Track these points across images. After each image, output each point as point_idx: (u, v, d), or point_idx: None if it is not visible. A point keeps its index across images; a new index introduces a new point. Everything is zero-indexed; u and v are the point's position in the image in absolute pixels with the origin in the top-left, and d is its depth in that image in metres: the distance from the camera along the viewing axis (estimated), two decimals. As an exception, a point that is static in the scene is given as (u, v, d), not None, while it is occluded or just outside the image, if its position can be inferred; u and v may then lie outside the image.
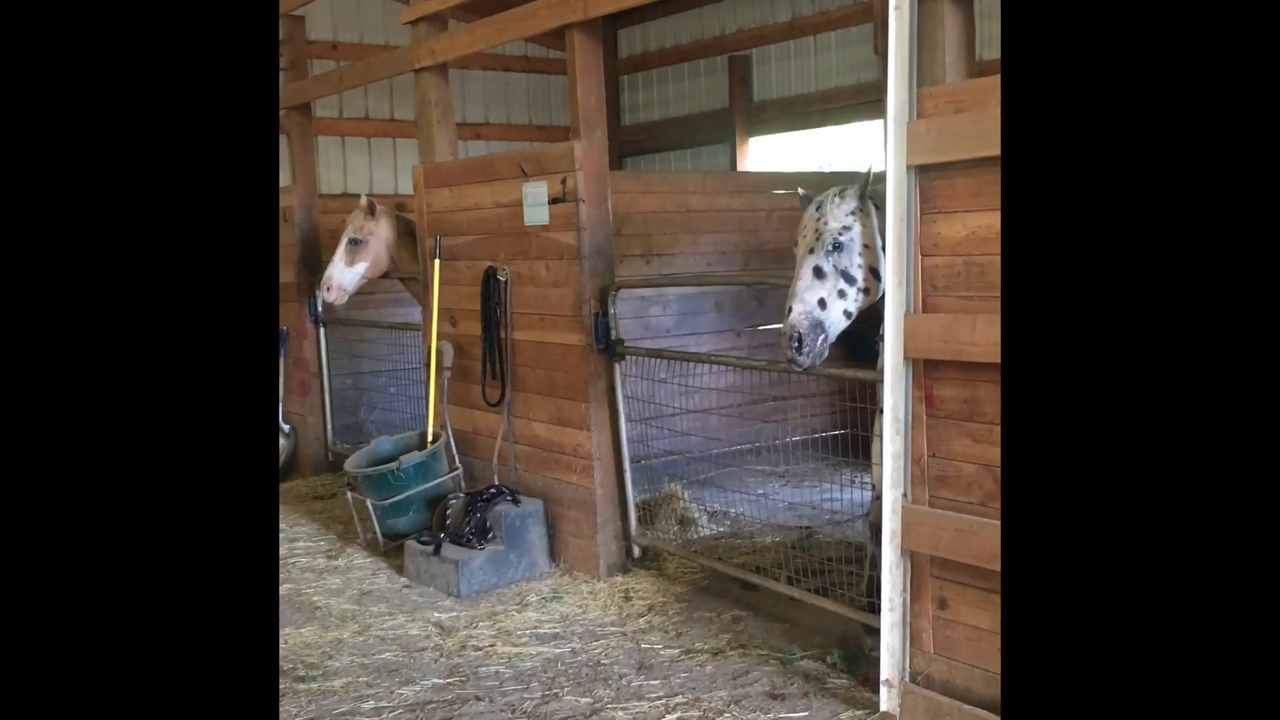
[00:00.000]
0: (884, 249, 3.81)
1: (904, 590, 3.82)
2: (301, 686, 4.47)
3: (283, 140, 8.94)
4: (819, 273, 4.11)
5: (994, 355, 3.33)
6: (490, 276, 6.05)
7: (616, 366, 5.59)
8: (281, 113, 8.51)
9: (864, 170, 4.22)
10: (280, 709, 4.27)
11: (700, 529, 6.11)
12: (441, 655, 4.75)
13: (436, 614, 5.26)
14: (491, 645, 4.82)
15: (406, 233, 7.17)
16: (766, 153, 10.48)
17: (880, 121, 3.84)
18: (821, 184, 4.73)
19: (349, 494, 6.53)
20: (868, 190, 4.17)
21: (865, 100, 9.12)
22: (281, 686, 4.47)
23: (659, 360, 5.63)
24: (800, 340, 4.01)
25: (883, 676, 3.86)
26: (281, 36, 8.30)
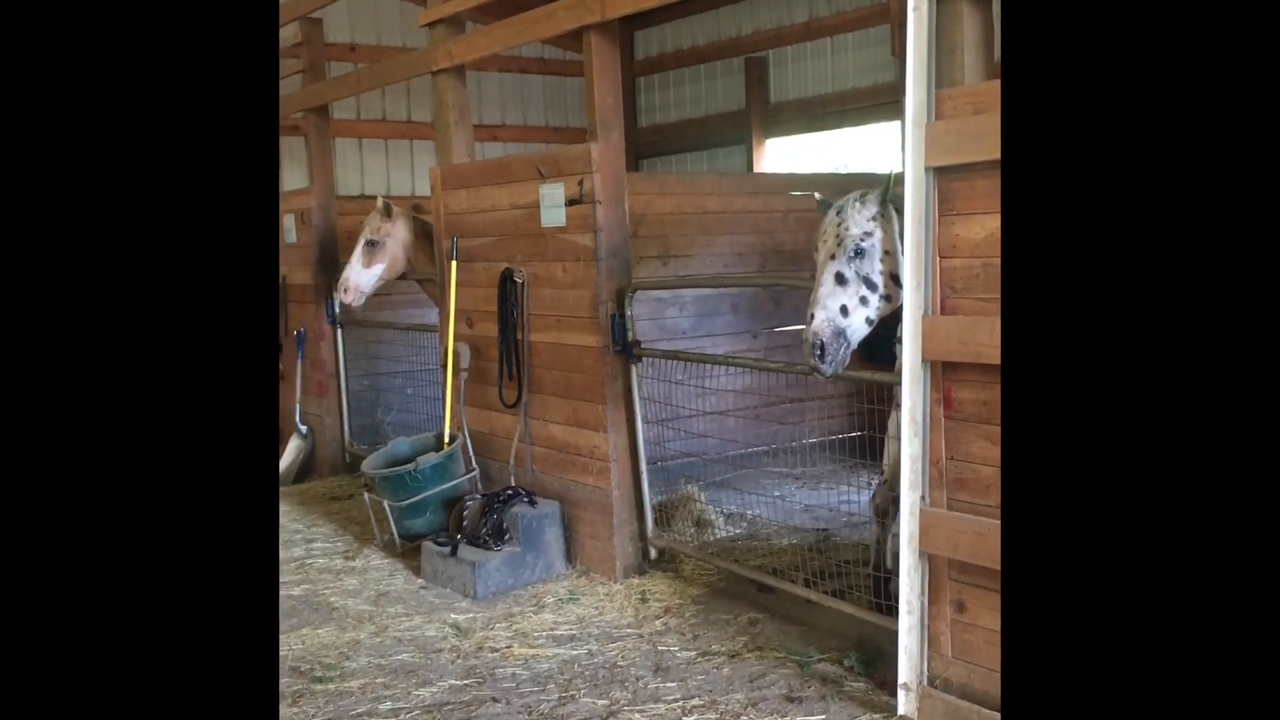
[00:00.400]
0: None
1: (922, 593, 3.81)
2: (319, 687, 4.49)
3: (301, 142, 8.98)
4: (841, 279, 4.10)
5: (1013, 357, 3.31)
6: (507, 278, 6.06)
7: (633, 368, 5.59)
8: (299, 114, 8.55)
9: (881, 171, 4.21)
10: (298, 709, 4.28)
11: (717, 531, 6.11)
12: (458, 656, 4.75)
13: (453, 615, 5.26)
14: (508, 647, 4.82)
15: (423, 234, 7.19)
16: (783, 154, 10.47)
17: (897, 123, 3.83)
18: (838, 185, 4.72)
19: (366, 495, 6.54)
20: (888, 195, 4.15)
21: (882, 102, 9.09)
22: (299, 687, 4.49)
23: (675, 362, 5.63)
24: (823, 349, 4.01)
25: (900, 680, 3.85)
26: (299, 39, 8.34)
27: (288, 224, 8.62)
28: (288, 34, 8.63)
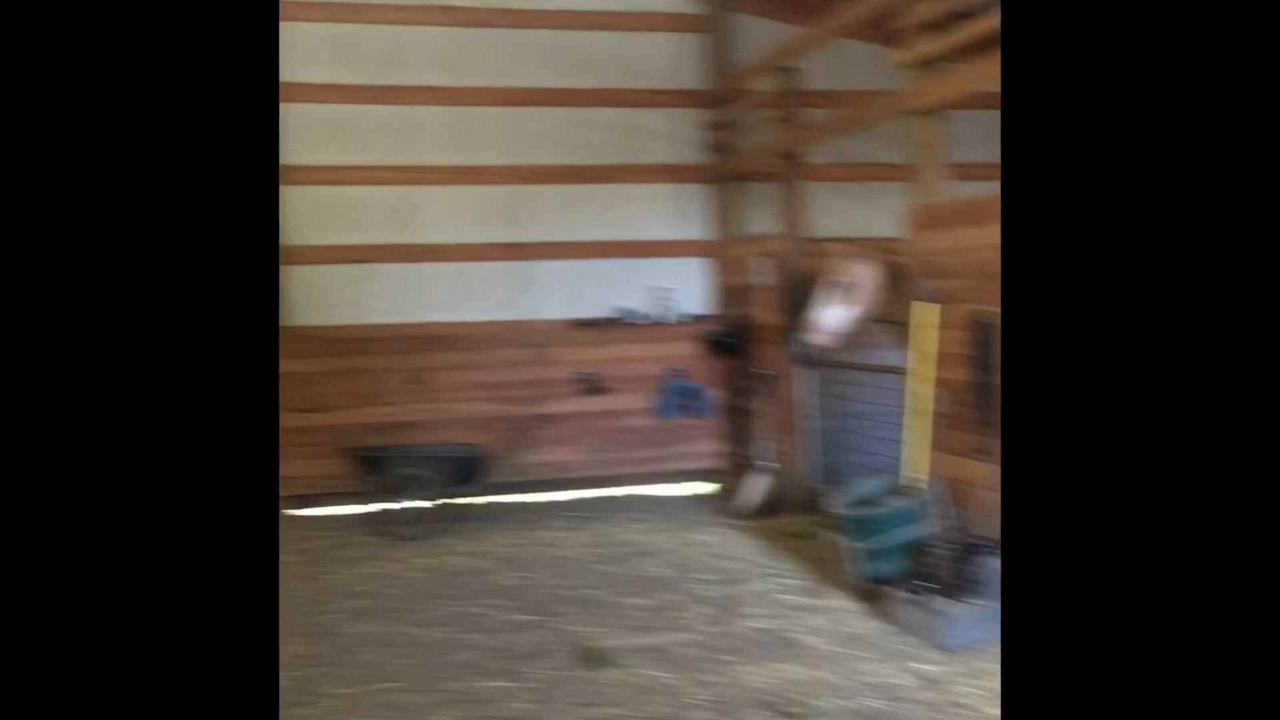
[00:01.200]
0: None
1: None
2: (788, 722, 4.56)
3: (772, 187, 9.31)
4: None
5: None
6: (981, 321, 5.86)
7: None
8: (773, 159, 8.86)
9: None
10: (774, 743, 4.36)
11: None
12: (928, 710, 4.62)
13: (920, 665, 5.13)
14: (980, 706, 4.62)
15: (891, 276, 7.16)
16: None
17: None
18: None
19: (830, 534, 6.58)
20: None
21: None
22: (770, 720, 4.58)
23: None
24: None
25: None
26: (777, 89, 8.66)
27: (759, 266, 8.95)
28: (764, 84, 8.99)
